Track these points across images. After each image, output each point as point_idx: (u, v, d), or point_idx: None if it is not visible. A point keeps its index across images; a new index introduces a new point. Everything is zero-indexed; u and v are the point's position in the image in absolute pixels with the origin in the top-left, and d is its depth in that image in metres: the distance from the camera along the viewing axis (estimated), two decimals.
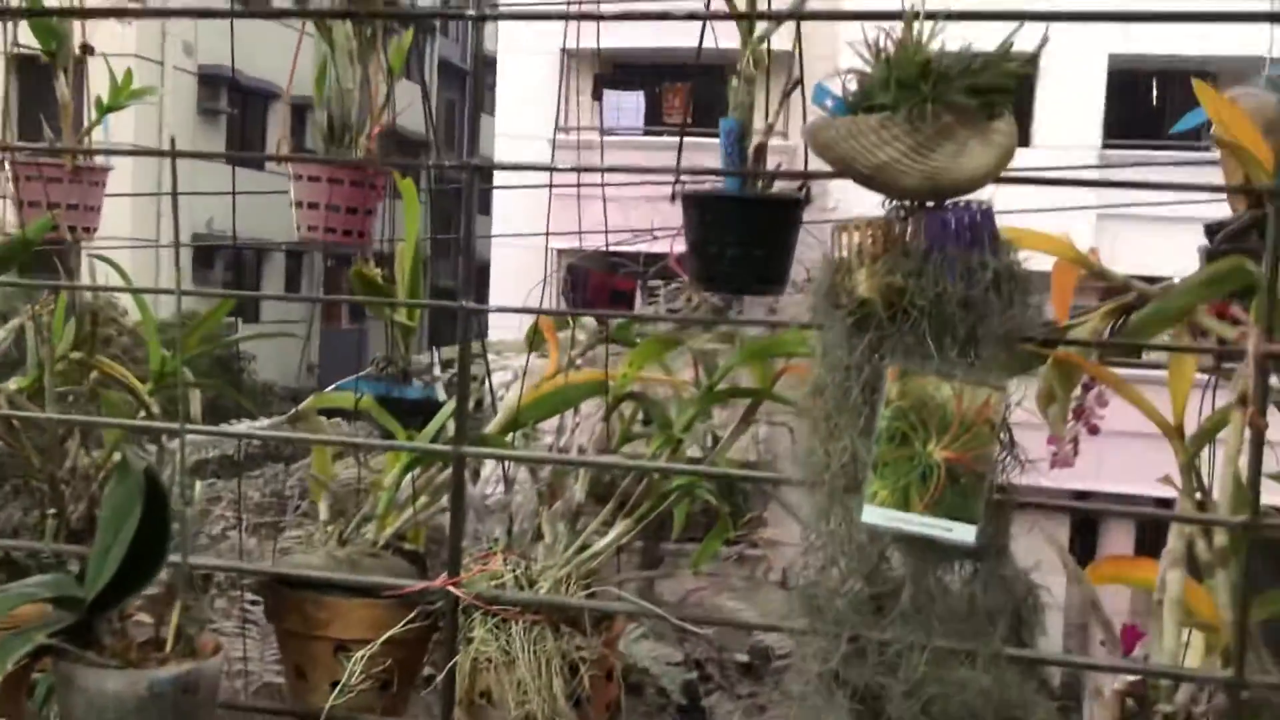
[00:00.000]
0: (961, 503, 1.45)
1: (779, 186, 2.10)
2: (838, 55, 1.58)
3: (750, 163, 1.99)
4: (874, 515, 1.46)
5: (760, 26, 1.89)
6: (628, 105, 15.16)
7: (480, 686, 1.85)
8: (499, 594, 1.82)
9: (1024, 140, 12.61)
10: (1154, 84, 14.85)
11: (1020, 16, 1.60)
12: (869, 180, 1.52)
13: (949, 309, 1.46)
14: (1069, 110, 13.80)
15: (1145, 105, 14.88)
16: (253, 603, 3.06)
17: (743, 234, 2.01)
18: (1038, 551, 1.77)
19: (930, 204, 1.50)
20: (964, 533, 1.44)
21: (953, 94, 1.41)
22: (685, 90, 14.21)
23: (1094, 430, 2.01)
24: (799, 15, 1.85)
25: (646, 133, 14.93)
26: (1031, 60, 1.44)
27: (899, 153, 1.45)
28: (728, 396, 2.05)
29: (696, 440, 2.16)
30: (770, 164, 2.05)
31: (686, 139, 2.36)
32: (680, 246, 2.10)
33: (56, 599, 1.74)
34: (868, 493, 1.47)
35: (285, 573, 2.00)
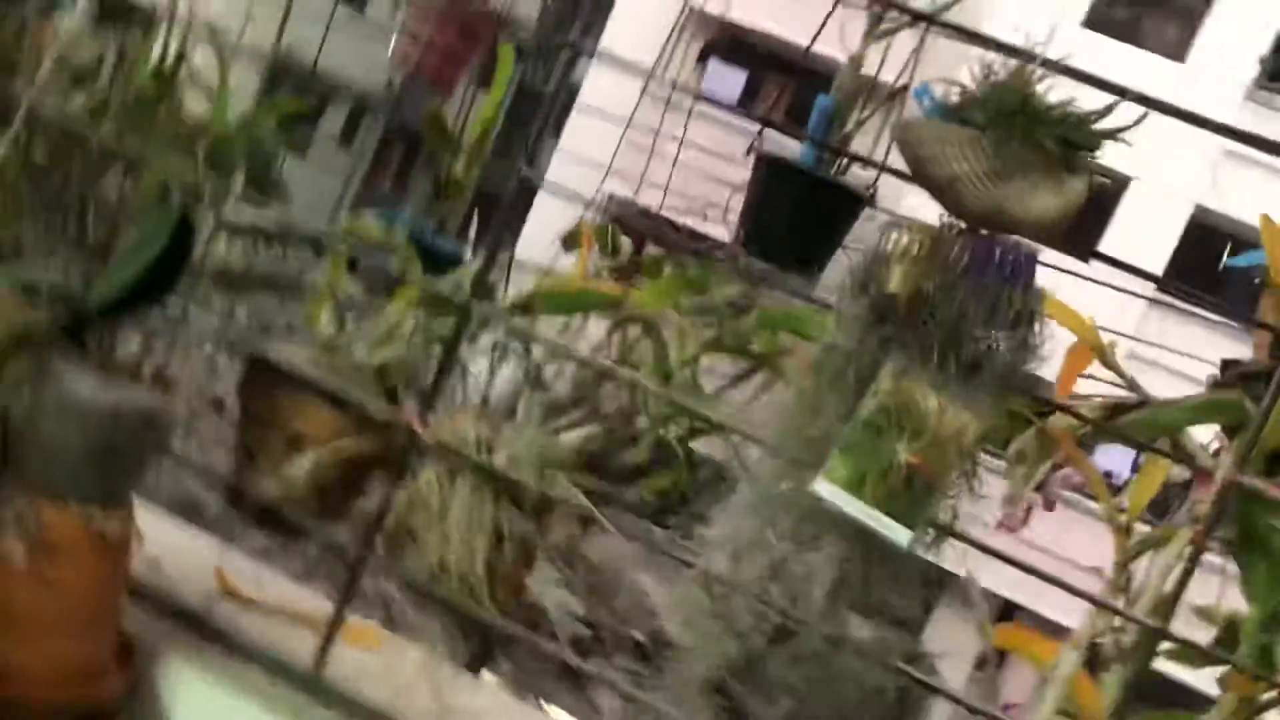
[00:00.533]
0: (908, 507, 1.52)
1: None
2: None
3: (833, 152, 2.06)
4: (825, 489, 1.53)
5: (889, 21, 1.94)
6: (729, 80, 15.09)
7: (409, 524, 1.93)
8: (458, 447, 1.89)
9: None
10: (1228, 248, 14.85)
11: (1140, 100, 1.65)
12: (937, 189, 1.58)
13: (964, 330, 1.53)
14: (1136, 247, 13.82)
15: (1211, 266, 14.88)
16: None
17: (801, 208, 2.07)
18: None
19: (984, 231, 1.56)
20: (900, 534, 1.51)
21: (1043, 135, 1.47)
22: (788, 87, 14.18)
23: (1050, 506, 2.09)
24: (931, 17, 1.90)
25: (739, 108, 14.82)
26: (1121, 133, 1.50)
27: (974, 172, 1.51)
28: (730, 351, 2.12)
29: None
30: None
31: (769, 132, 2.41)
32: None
33: (54, 295, 1.80)
34: (828, 468, 1.54)
35: (269, 357, 2.07)
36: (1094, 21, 14.22)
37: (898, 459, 1.51)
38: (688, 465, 2.41)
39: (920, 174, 1.59)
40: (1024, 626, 2.02)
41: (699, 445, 2.56)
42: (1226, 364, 2.11)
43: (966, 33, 1.61)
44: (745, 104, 15.78)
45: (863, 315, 1.61)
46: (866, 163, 1.98)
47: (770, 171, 2.10)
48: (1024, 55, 1.55)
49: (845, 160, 2.12)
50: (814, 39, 2.20)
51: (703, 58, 14.14)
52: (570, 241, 2.32)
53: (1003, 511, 2.03)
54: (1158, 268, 14.19)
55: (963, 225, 1.59)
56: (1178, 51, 14.62)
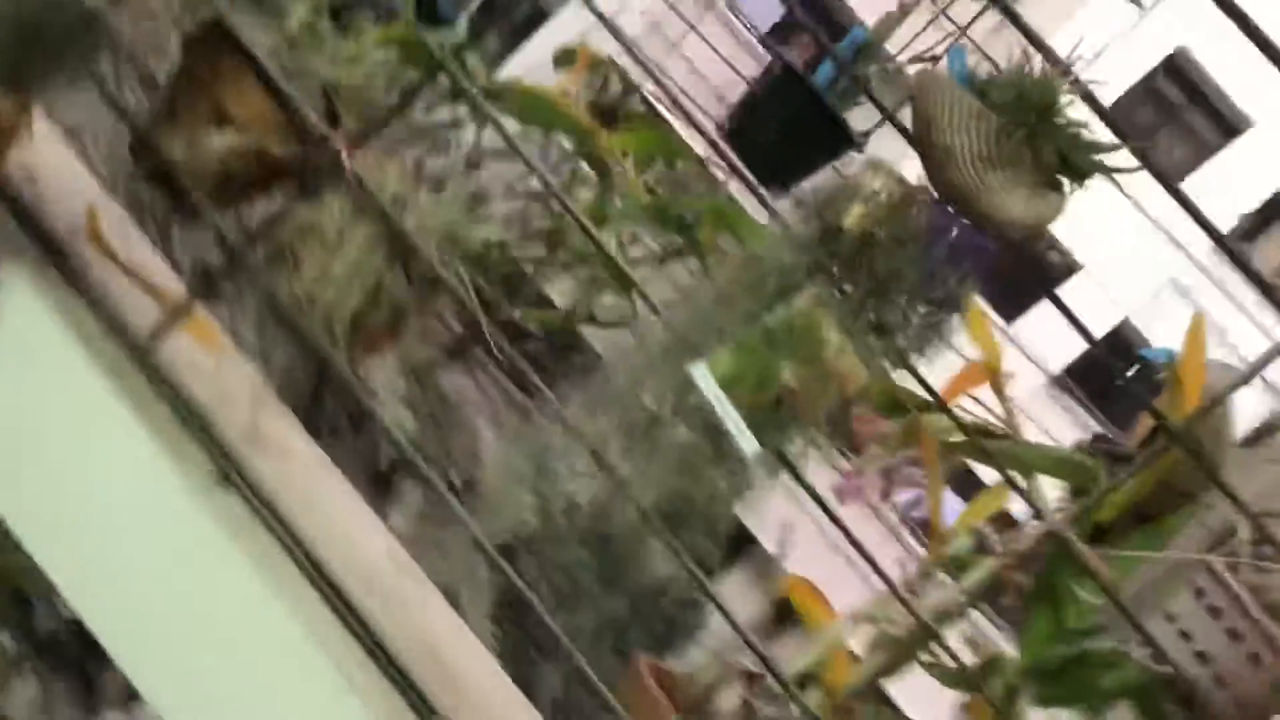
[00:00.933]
0: (767, 426, 1.54)
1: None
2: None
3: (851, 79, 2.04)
4: (701, 374, 1.54)
5: None
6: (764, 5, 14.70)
7: (295, 246, 1.88)
8: (380, 186, 1.85)
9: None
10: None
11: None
12: (929, 153, 1.58)
13: (892, 289, 1.54)
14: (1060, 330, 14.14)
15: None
16: None
17: (794, 122, 2.06)
18: None
19: (951, 209, 1.57)
20: (748, 444, 1.53)
21: (1046, 141, 1.48)
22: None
23: (885, 495, 2.15)
24: None
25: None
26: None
27: (969, 149, 1.51)
28: (668, 224, 2.10)
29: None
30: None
31: None
32: None
33: None
34: (713, 358, 1.55)
35: (231, 26, 1.98)
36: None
37: (779, 378, 1.53)
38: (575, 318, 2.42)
39: (920, 132, 1.58)
40: (810, 587, 2.09)
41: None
42: (1097, 437, 2.18)
43: (1020, 22, 1.59)
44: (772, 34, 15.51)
45: (808, 236, 1.61)
46: (875, 104, 1.97)
47: (782, 78, 2.08)
48: (1055, 59, 1.54)
49: (852, 99, 2.10)
50: None
51: None
52: (564, 59, 2.26)
53: (846, 479, 2.08)
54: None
55: (936, 196, 1.60)
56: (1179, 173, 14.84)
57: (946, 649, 1.70)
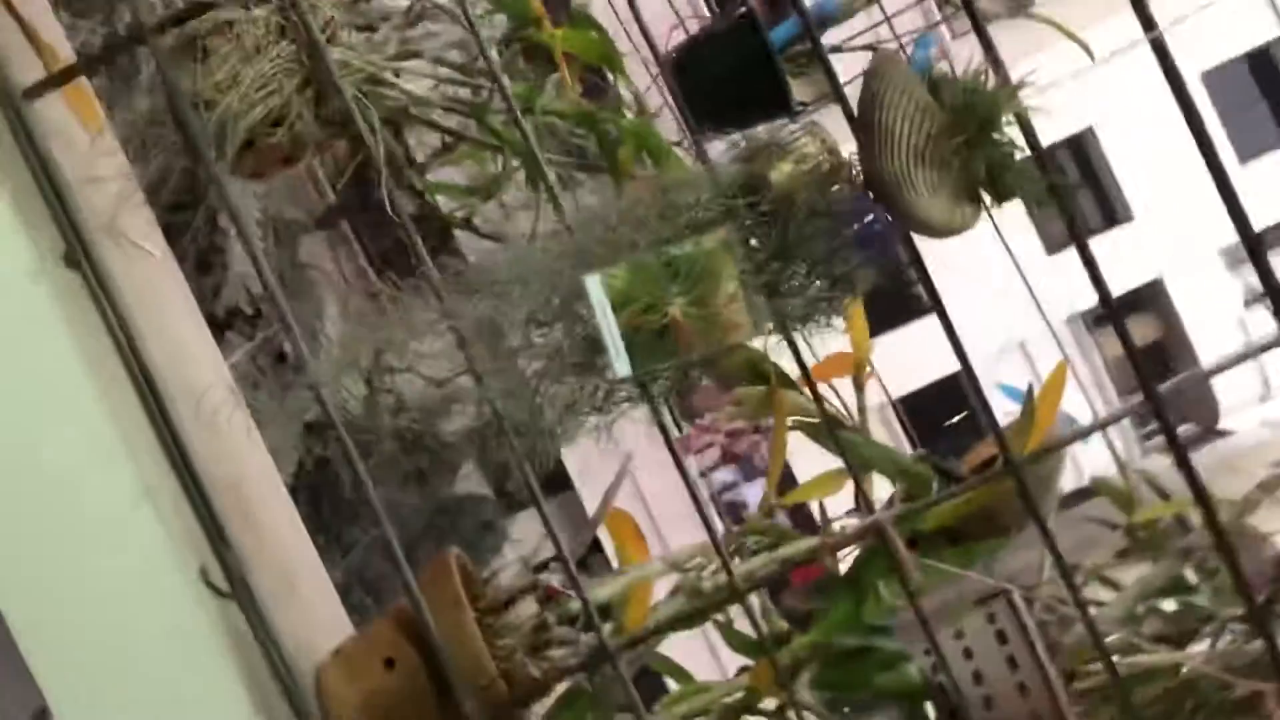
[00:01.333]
0: (644, 349, 1.54)
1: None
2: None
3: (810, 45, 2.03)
4: (594, 285, 1.53)
5: None
6: None
7: (209, 41, 1.78)
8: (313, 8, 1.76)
9: None
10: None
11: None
12: (865, 133, 1.59)
13: (798, 256, 1.55)
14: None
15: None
16: None
17: (738, 72, 2.05)
18: None
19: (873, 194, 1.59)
20: (622, 364, 1.53)
21: (980, 154, 1.51)
22: None
23: (728, 457, 2.19)
24: None
25: None
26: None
27: (905, 139, 1.53)
28: (588, 127, 2.06)
29: None
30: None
31: None
32: None
33: None
34: (611, 272, 1.53)
35: None
36: None
37: (668, 307, 1.52)
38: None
39: (864, 109, 1.59)
40: (627, 521, 2.11)
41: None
42: (930, 453, 2.26)
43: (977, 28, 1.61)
44: None
45: (729, 181, 1.61)
46: (828, 74, 1.96)
47: (740, 23, 2.06)
48: (1007, 78, 1.57)
49: (801, 66, 2.10)
50: None
51: None
52: None
53: (692, 431, 2.11)
54: None
55: (861, 177, 1.62)
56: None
57: (749, 611, 1.74)
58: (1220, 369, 1.86)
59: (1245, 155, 13.78)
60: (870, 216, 1.57)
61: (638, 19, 1.91)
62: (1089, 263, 1.65)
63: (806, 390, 2.05)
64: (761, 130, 1.63)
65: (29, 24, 1.86)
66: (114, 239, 1.89)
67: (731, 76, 2.07)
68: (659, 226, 1.60)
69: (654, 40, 1.91)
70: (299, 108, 1.78)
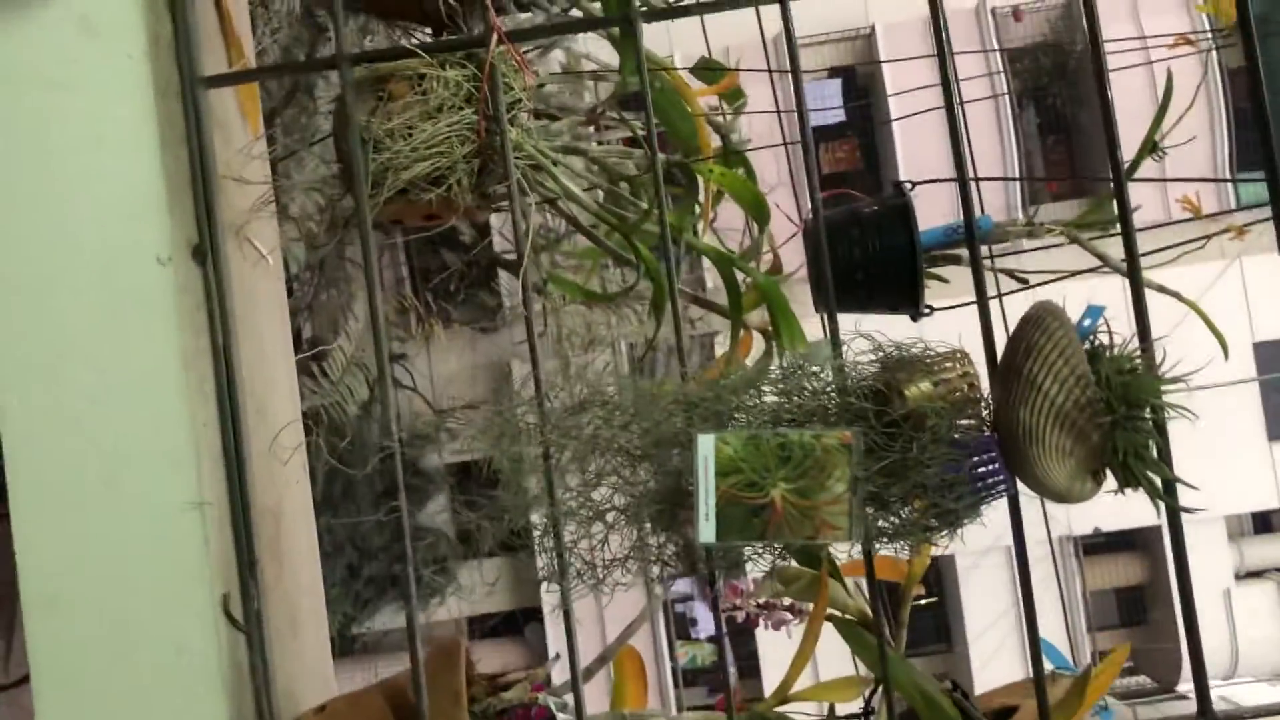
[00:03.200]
0: (732, 522, 1.51)
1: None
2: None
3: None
4: (705, 444, 1.51)
5: None
6: (830, 93, 14.75)
7: (399, 89, 1.79)
8: (505, 85, 1.77)
9: None
10: None
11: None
12: (1008, 373, 1.58)
13: (910, 477, 1.53)
14: None
15: None
16: None
17: (877, 259, 2.05)
18: None
19: (997, 435, 1.58)
20: (708, 531, 1.51)
21: (1119, 435, 1.49)
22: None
23: (750, 621, 2.15)
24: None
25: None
26: None
27: (1050, 400, 1.51)
28: (724, 269, 2.06)
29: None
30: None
31: None
32: None
33: None
34: (724, 435, 1.52)
35: None
36: None
37: (771, 489, 1.51)
38: None
39: (1011, 354, 1.58)
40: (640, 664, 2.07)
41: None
42: (955, 687, 2.21)
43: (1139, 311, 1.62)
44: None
45: (868, 381, 1.60)
46: (978, 292, 1.95)
47: (889, 211, 2.06)
48: (1158, 370, 1.56)
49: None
50: None
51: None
52: (708, 72, 2.21)
53: (729, 588, 2.08)
54: None
55: (989, 416, 1.61)
56: None
57: None
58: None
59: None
60: (992, 460, 1.55)
61: (810, 174, 1.92)
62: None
63: (855, 588, 2.02)
64: (909, 340, 1.62)
65: (228, 13, 1.88)
66: (239, 242, 1.89)
67: (869, 261, 2.07)
68: (780, 404, 1.58)
69: (818, 205, 1.90)
70: (461, 174, 1.78)
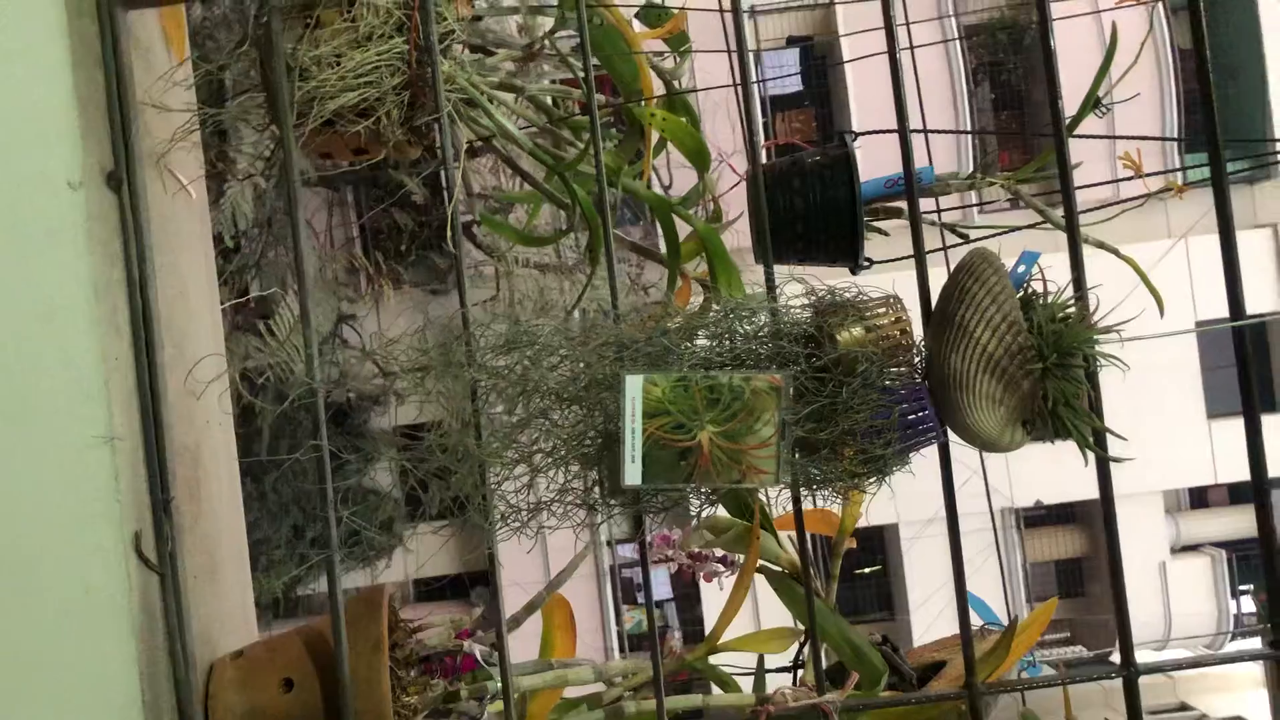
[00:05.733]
0: (659, 465, 1.48)
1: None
2: None
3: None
4: (633, 386, 1.47)
5: None
6: (788, 62, 14.63)
7: (327, 16, 1.72)
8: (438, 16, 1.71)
9: None
10: None
11: None
12: (940, 320, 1.56)
13: (839, 422, 1.51)
14: None
15: None
16: None
17: (819, 210, 2.01)
18: None
19: (928, 384, 1.56)
20: (633, 474, 1.47)
21: (1050, 383, 1.47)
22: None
23: (683, 575, 2.13)
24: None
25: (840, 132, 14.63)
26: None
27: (983, 346, 1.49)
28: (662, 214, 2.02)
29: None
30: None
31: None
32: None
33: None
34: (651, 376, 1.48)
35: None
36: None
37: (699, 430, 1.47)
38: None
39: (945, 301, 1.55)
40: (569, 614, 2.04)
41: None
42: (885, 640, 2.20)
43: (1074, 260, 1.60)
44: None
45: (792, 322, 1.57)
46: (915, 245, 1.93)
47: (833, 162, 2.03)
48: (1092, 320, 1.55)
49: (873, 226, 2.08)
50: None
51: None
52: (652, 15, 2.16)
53: (659, 539, 2.05)
54: None
55: (922, 364, 1.59)
56: None
57: None
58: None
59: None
60: (922, 407, 1.53)
61: (749, 121, 1.88)
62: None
63: (787, 542, 2.00)
64: (843, 286, 1.59)
65: None
66: (160, 171, 1.82)
67: (811, 212, 2.03)
68: (712, 347, 1.55)
69: (757, 153, 1.87)
70: (391, 106, 1.72)
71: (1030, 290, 1.54)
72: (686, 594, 12.68)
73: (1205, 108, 1.74)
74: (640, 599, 14.32)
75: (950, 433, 1.56)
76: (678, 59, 2.28)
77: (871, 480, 1.55)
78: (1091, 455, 1.56)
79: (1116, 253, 2.13)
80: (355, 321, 11.08)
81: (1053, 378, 1.47)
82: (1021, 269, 1.52)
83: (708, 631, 2.02)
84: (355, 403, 11.14)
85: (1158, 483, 13.12)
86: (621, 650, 12.46)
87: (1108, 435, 1.58)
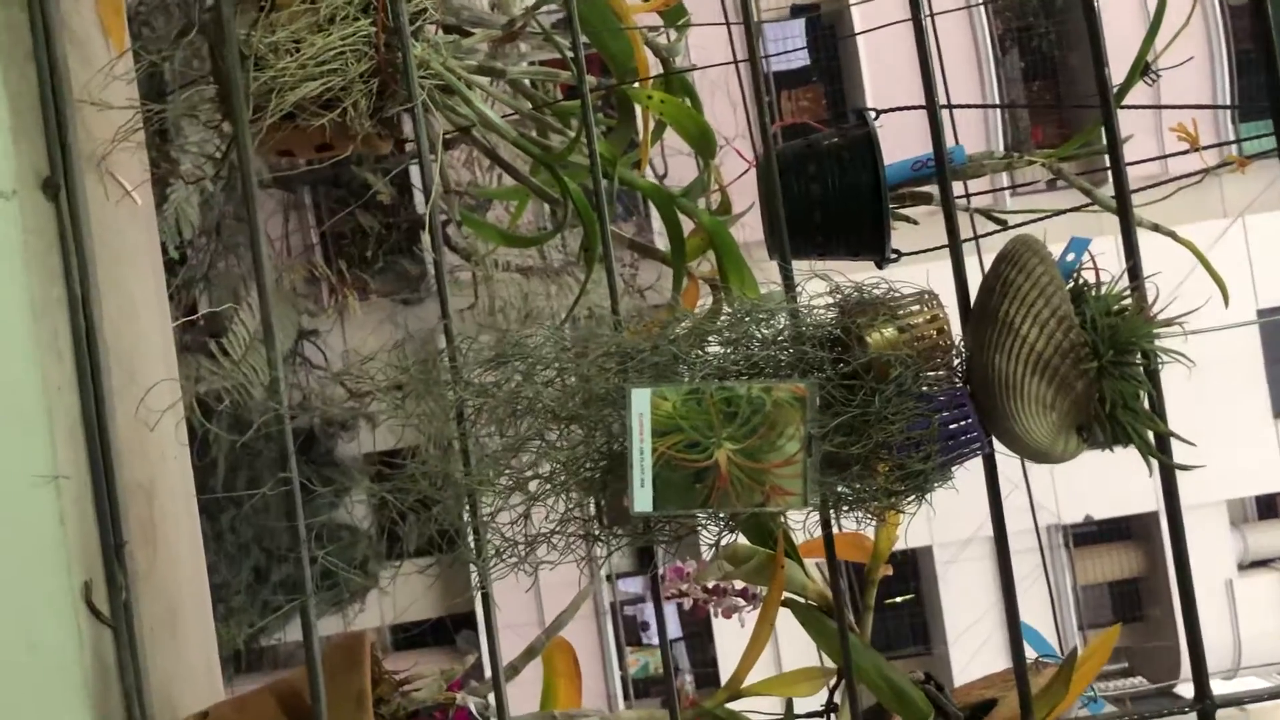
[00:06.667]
0: (671, 488, 1.48)
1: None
2: None
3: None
4: (639, 400, 1.47)
5: None
6: (792, 35, 14.64)
7: (285, 7, 1.72)
8: None
9: None
10: None
11: None
12: (981, 316, 1.56)
13: (873, 435, 1.50)
14: None
15: None
16: None
17: (839, 197, 2.02)
18: None
19: (970, 388, 1.56)
20: (642, 499, 1.47)
21: (1104, 385, 1.47)
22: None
23: (698, 607, 2.13)
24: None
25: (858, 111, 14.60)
26: None
27: (1029, 346, 1.49)
28: (665, 207, 2.02)
29: None
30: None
31: None
32: None
33: None
34: (661, 389, 1.48)
35: None
36: None
37: (716, 448, 1.47)
38: None
39: (986, 296, 1.56)
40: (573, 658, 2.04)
41: None
42: (928, 678, 2.20)
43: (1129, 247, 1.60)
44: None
45: (815, 325, 1.57)
46: (950, 232, 1.93)
47: (853, 143, 2.03)
48: (1154, 313, 1.55)
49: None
50: None
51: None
52: None
53: (674, 571, 2.05)
54: None
55: (962, 366, 1.59)
56: None
57: None
58: None
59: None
60: (964, 415, 1.53)
61: (759, 99, 1.88)
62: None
63: (815, 571, 2.00)
64: (870, 281, 1.59)
65: None
66: (101, 175, 1.82)
67: (830, 199, 2.03)
68: (727, 354, 1.55)
69: (768, 134, 1.87)
70: (358, 96, 1.72)
71: (1081, 281, 1.54)
72: (696, 633, 12.64)
73: (1269, 68, 1.74)
74: (645, 639, 14.31)
75: (996, 442, 1.56)
76: (673, 35, 2.28)
77: (910, 499, 1.55)
78: (1155, 463, 1.56)
79: (1174, 236, 2.13)
80: (318, 337, 11.07)
81: (1110, 377, 1.47)
82: (1070, 257, 1.52)
83: (722, 673, 2.01)
84: (321, 430, 11.14)
85: (1221, 492, 13.13)
86: (626, 697, 12.44)
87: (1172, 440, 1.58)
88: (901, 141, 2.14)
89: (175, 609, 1.91)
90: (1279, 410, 13.44)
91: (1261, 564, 14.65)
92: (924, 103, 1.82)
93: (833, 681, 2.01)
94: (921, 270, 2.05)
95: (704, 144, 2.07)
